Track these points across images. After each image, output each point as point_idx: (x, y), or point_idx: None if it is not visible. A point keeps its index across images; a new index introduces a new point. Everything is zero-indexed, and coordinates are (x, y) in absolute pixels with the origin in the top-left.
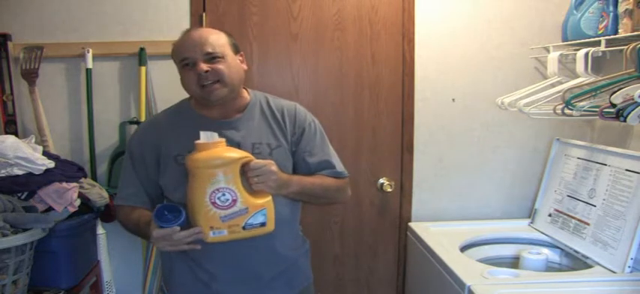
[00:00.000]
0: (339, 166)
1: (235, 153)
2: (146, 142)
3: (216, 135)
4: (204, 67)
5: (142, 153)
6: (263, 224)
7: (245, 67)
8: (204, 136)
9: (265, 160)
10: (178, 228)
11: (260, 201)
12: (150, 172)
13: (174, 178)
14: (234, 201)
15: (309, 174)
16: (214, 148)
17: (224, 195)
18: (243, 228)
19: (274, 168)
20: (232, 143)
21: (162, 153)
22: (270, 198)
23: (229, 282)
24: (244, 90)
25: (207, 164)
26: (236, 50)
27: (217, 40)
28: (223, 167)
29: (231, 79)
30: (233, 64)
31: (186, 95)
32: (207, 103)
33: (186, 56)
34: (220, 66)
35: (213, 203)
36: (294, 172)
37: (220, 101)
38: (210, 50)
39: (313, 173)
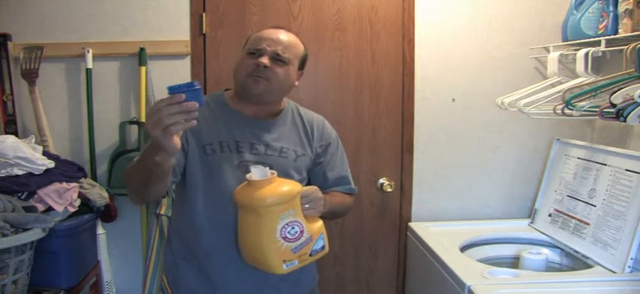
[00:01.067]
0: (352, 182)
1: (294, 185)
2: None
3: (267, 169)
4: (266, 61)
5: None
6: (323, 247)
7: (297, 84)
8: (258, 172)
9: (311, 187)
10: (183, 96)
11: (318, 225)
12: (183, 146)
13: (200, 167)
14: (302, 232)
15: (324, 186)
16: (272, 184)
17: (293, 228)
18: (310, 255)
19: (320, 193)
20: (263, 143)
21: (193, 137)
22: (322, 222)
23: (236, 283)
24: None
25: (276, 202)
26: (301, 66)
27: (292, 47)
28: (291, 202)
29: (279, 86)
30: (290, 75)
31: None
32: (245, 93)
33: (257, 47)
34: (279, 69)
35: (284, 237)
36: (310, 181)
37: (256, 98)
38: (280, 51)
39: (329, 187)
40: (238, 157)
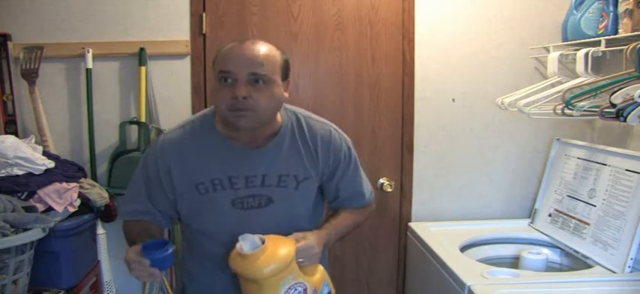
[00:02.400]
0: (368, 193)
1: (288, 247)
2: (164, 164)
3: (257, 238)
4: (243, 91)
5: (159, 175)
6: (329, 292)
7: (287, 95)
8: (248, 245)
9: (305, 240)
10: (149, 262)
11: (318, 276)
12: (167, 194)
13: (194, 206)
14: (305, 290)
15: (337, 200)
16: (266, 253)
17: (296, 290)
18: None
19: (314, 244)
20: (259, 174)
21: (181, 178)
22: (322, 268)
23: None
24: None
25: (274, 272)
26: (285, 75)
27: (269, 60)
28: (288, 268)
29: (266, 111)
30: (275, 94)
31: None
32: (231, 128)
33: (227, 70)
34: (261, 96)
35: None
36: (323, 193)
37: (248, 130)
38: (256, 71)
39: (342, 203)
40: (233, 193)
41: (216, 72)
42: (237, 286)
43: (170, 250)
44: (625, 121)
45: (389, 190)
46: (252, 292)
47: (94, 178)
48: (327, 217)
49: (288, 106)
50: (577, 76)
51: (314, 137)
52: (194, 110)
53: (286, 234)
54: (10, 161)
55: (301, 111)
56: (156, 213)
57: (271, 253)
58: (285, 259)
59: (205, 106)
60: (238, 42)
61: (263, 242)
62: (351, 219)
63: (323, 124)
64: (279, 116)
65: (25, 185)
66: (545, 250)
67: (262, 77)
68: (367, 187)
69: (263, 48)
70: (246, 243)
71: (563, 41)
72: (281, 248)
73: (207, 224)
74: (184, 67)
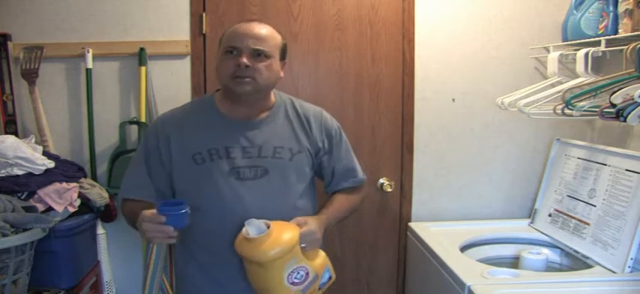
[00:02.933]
0: (360, 172)
1: (292, 232)
2: (163, 135)
3: (262, 223)
4: (245, 60)
5: (158, 146)
6: (330, 278)
7: (282, 74)
8: (254, 229)
9: (307, 225)
10: (163, 218)
11: (320, 261)
12: (165, 166)
13: (191, 177)
14: (307, 273)
15: (332, 179)
16: (271, 237)
17: (299, 273)
18: (319, 289)
19: (316, 229)
20: (255, 145)
21: (179, 149)
22: (324, 254)
23: (243, 283)
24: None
25: (278, 255)
26: (283, 56)
27: (270, 38)
28: (292, 252)
29: (264, 82)
30: (273, 68)
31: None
32: (231, 95)
33: (234, 45)
34: (261, 65)
35: (292, 283)
36: (318, 173)
37: (244, 97)
38: (259, 47)
39: (335, 181)
40: (229, 162)
41: (222, 47)
42: (231, 281)
43: (186, 209)
44: (625, 121)
45: (389, 190)
46: (257, 275)
47: (94, 178)
48: (324, 204)
49: (281, 93)
50: (577, 76)
51: (307, 114)
52: None
53: (281, 209)
54: (10, 161)
55: (294, 97)
56: (152, 188)
57: (276, 237)
58: (289, 243)
59: None
60: (245, 22)
61: (268, 227)
62: (346, 202)
63: (314, 106)
64: (273, 96)
65: (25, 185)
66: (545, 250)
67: (263, 52)
68: (358, 166)
69: (266, 28)
70: (252, 228)
71: (563, 41)
72: (285, 233)
73: (203, 197)
74: (184, 67)
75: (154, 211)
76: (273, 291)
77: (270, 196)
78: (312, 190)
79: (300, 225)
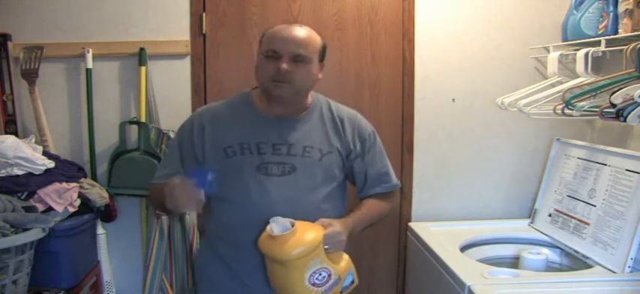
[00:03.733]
0: (394, 177)
1: (316, 232)
2: (199, 125)
3: (287, 221)
4: (285, 66)
5: (192, 135)
6: (353, 282)
7: (321, 76)
8: (278, 227)
9: (332, 226)
10: (193, 181)
11: (343, 264)
12: (196, 154)
13: (221, 169)
14: (330, 275)
15: (364, 184)
16: (295, 236)
17: (321, 274)
18: (341, 292)
19: (341, 230)
20: (285, 143)
21: (212, 140)
22: (348, 257)
23: (263, 281)
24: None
25: (301, 255)
26: (322, 57)
27: (311, 43)
28: (315, 252)
29: (302, 86)
30: (312, 72)
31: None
32: (269, 97)
33: (275, 49)
34: (299, 72)
35: (314, 284)
36: (350, 177)
37: (280, 99)
38: (300, 52)
39: (368, 186)
40: (260, 158)
41: (262, 50)
42: (252, 276)
43: (212, 175)
44: (625, 121)
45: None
46: (279, 274)
47: (94, 178)
48: (353, 208)
49: (319, 94)
50: (577, 76)
51: (341, 117)
52: (194, 110)
53: (306, 208)
54: (10, 161)
55: (331, 99)
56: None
57: (300, 236)
58: (312, 243)
59: None
60: (286, 25)
61: (293, 225)
62: (376, 208)
63: (350, 109)
64: (309, 97)
65: (25, 185)
66: (545, 250)
67: (304, 57)
68: (392, 171)
69: (306, 31)
70: (276, 225)
71: (563, 41)
72: (309, 233)
73: (230, 188)
74: (184, 67)
75: (180, 177)
76: (293, 291)
77: (296, 193)
78: (340, 195)
79: (324, 226)
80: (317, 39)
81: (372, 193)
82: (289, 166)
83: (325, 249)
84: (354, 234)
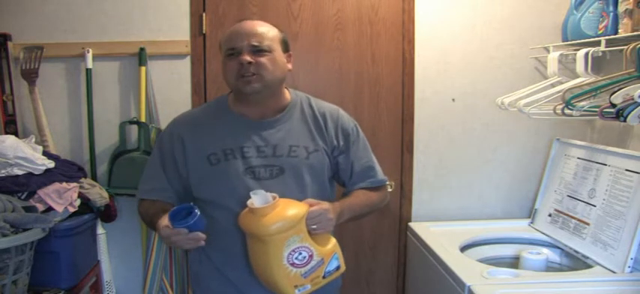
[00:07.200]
0: (380, 173)
1: (299, 208)
2: (177, 137)
3: (269, 195)
4: (247, 58)
5: (172, 148)
6: (338, 268)
7: (290, 67)
8: (259, 199)
9: (319, 205)
10: (186, 230)
11: (329, 247)
12: (179, 168)
13: (204, 177)
14: (311, 256)
15: (350, 179)
16: (275, 210)
17: (301, 254)
18: (324, 277)
19: (329, 208)
20: (270, 144)
21: (194, 150)
22: (335, 241)
23: (256, 285)
24: (286, 90)
25: (279, 229)
26: (285, 48)
27: (267, 32)
28: (295, 228)
29: (271, 75)
30: (278, 61)
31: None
32: (242, 96)
33: (233, 46)
34: (264, 59)
35: (292, 264)
36: (336, 175)
37: (255, 95)
38: (257, 42)
39: (354, 181)
40: (244, 162)
41: (223, 52)
42: (246, 283)
43: (198, 213)
44: (625, 121)
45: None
46: (257, 251)
47: (94, 178)
48: (341, 197)
49: (298, 91)
50: (577, 76)
51: (323, 113)
52: None
53: None
54: (10, 161)
55: (311, 95)
56: (170, 191)
57: (281, 211)
58: (292, 218)
59: None
60: (240, 22)
61: (274, 199)
62: (364, 197)
63: (331, 105)
64: (287, 94)
65: (25, 185)
66: (545, 250)
67: (263, 47)
68: (378, 167)
69: (261, 23)
70: (257, 198)
71: (563, 41)
72: (291, 208)
73: (219, 191)
74: (184, 67)
75: (168, 222)
76: (273, 271)
77: (286, 195)
78: (329, 193)
79: (311, 204)
80: (273, 29)
81: (359, 188)
82: (277, 168)
83: (312, 229)
84: (342, 220)
